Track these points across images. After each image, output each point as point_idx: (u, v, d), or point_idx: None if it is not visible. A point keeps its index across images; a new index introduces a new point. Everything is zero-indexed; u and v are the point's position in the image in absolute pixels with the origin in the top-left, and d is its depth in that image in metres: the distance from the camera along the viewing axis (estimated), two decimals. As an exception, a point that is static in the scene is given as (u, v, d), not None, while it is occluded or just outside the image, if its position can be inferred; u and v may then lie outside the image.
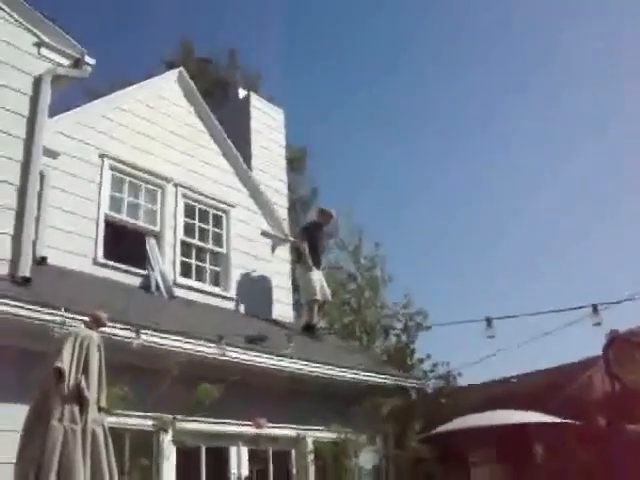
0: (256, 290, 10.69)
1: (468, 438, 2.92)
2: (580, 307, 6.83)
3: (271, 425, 7.69)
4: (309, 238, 10.56)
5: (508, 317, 6.77)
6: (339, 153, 29.67)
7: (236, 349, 7.38)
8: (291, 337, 7.96)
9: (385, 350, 13.91)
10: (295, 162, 20.59)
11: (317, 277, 10.48)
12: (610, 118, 26.68)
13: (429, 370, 13.37)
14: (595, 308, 6.75)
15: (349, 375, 8.82)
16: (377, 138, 28.88)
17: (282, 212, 11.94)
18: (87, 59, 7.83)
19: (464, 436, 2.97)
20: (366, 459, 8.88)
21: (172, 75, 10.88)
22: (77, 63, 7.81)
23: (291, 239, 11.70)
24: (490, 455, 2.81)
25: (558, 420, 2.71)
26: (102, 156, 9.13)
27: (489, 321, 6.67)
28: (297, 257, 10.66)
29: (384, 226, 26.50)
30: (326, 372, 8.50)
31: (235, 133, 11.56)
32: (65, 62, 7.75)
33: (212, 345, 7.06)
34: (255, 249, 10.96)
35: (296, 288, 11.67)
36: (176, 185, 9.97)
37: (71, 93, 9.23)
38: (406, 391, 9.96)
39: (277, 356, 7.91)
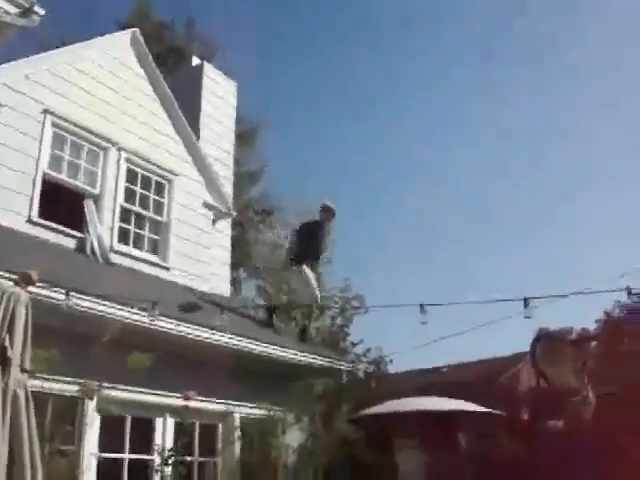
0: (195, 262, 10.55)
1: (394, 422, 2.94)
2: (511, 300, 6.94)
3: (200, 398, 7.60)
4: (308, 235, 9.91)
5: (439, 305, 6.88)
6: (292, 130, 29.58)
7: (167, 318, 7.21)
8: (224, 311, 7.80)
9: (320, 332, 13.93)
10: (246, 136, 20.39)
11: (313, 277, 9.76)
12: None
13: (361, 354, 13.48)
14: (526, 302, 6.87)
15: (281, 353, 8.79)
16: (333, 119, 28.90)
17: (227, 185, 11.80)
18: (36, 9, 7.55)
19: (390, 420, 2.98)
20: (293, 437, 8.89)
21: (125, 36, 10.58)
22: (26, 12, 7.52)
23: (234, 213, 11.56)
24: (414, 440, 2.82)
25: (483, 410, 2.74)
26: (45, 112, 8.82)
27: (422, 307, 6.80)
28: (291, 257, 9.97)
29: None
30: (257, 348, 8.44)
31: (186, 102, 11.33)
32: (13, 10, 7.46)
33: (143, 313, 6.90)
34: (196, 221, 10.81)
35: (236, 264, 11.57)
36: (120, 149, 9.72)
37: (21, 46, 8.94)
38: (337, 373, 10.01)
39: (208, 328, 7.77)
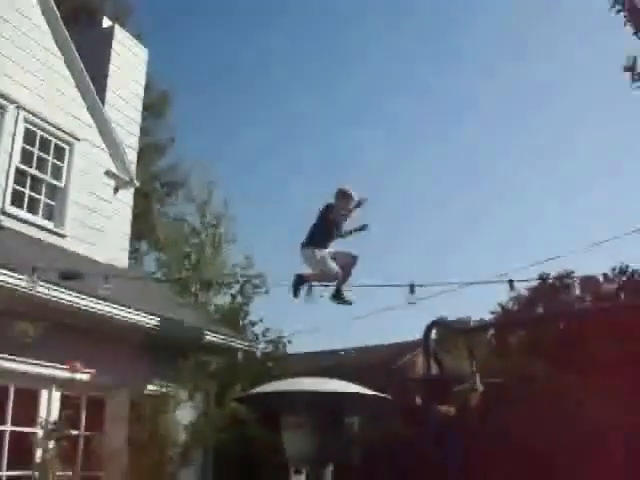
0: (92, 231, 10.17)
1: (283, 402, 2.91)
2: (398, 285, 7.04)
3: (88, 371, 7.35)
4: (318, 220, 9.38)
5: (325, 285, 6.96)
6: (204, 104, 29.10)
7: (47, 284, 6.87)
8: (109, 278, 7.46)
9: (219, 309, 13.77)
10: (155, 107, 19.86)
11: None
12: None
13: (260, 334, 13.41)
14: (412, 288, 6.99)
15: (173, 327, 8.60)
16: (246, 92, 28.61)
17: (132, 154, 11.42)
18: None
19: (279, 400, 2.95)
20: (184, 415, 8.76)
21: (32, -10, 10.01)
22: None
23: (137, 183, 11.22)
24: (302, 420, 2.79)
25: (373, 393, 2.73)
26: (-63, 61, 8.28)
27: (412, 288, 6.89)
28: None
29: (245, 184, 26.40)
30: (149, 322, 8.23)
31: (93, 64, 10.85)
32: None
33: (22, 277, 6.55)
34: (97, 188, 10.41)
35: (139, 236, 11.27)
36: (18, 107, 9.22)
37: None
38: (233, 351, 9.92)
39: (92, 297, 7.44)
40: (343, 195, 8.75)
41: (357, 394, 3.15)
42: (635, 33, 6.65)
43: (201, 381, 8.78)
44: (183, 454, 8.59)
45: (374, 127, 33.25)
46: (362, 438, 11.24)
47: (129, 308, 7.93)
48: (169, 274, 13.65)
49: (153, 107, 19.31)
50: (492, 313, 19.79)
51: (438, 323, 6.58)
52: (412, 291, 7.15)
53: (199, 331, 9.11)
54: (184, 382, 8.42)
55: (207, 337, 9.15)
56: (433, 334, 9.87)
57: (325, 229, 8.63)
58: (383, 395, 3.13)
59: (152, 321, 8.28)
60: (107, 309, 7.66)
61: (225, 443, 9.24)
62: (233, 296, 13.92)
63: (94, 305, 7.49)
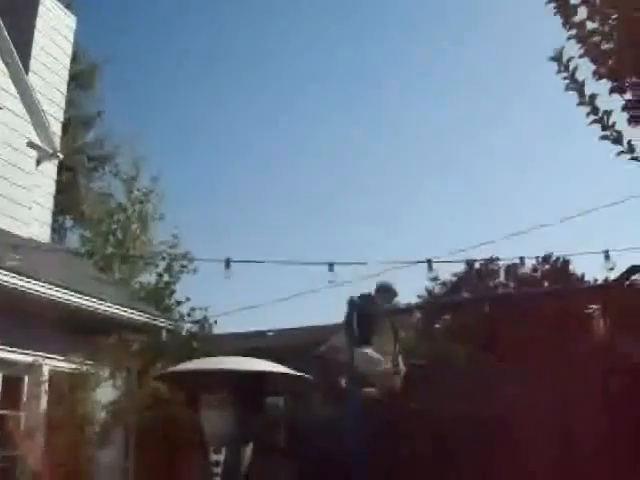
0: (11, 203, 9.78)
1: (201, 380, 2.84)
2: (316, 263, 7.05)
3: (2, 347, 7.09)
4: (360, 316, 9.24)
5: (250, 262, 6.96)
6: (135, 78, 28.39)
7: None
8: (18, 248, 7.13)
9: (144, 287, 13.51)
10: (84, 78, 19.27)
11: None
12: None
13: (186, 314, 13.20)
14: (331, 266, 7.00)
15: (97, 306, 8.38)
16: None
17: (55, 125, 11.02)
18: None
19: (198, 378, 2.87)
20: (104, 394, 8.57)
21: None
22: None
23: (60, 155, 10.85)
24: (221, 399, 2.74)
25: (293, 373, 2.69)
26: None
27: (228, 263, 6.86)
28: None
29: (175, 162, 26.02)
30: (65, 297, 7.97)
31: (16, 29, 10.39)
32: None
33: None
34: (17, 159, 10.01)
35: (63, 210, 10.91)
36: None
37: None
38: (157, 330, 9.74)
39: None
40: (382, 290, 9.03)
41: (277, 373, 3.09)
42: (564, 24, 6.72)
43: (123, 360, 8.61)
44: (103, 434, 8.42)
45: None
46: (287, 420, 11.25)
47: (44, 282, 7.65)
48: (93, 250, 13.31)
49: (81, 78, 18.73)
50: (419, 297, 20.03)
51: (362, 303, 6.58)
52: (331, 269, 7.19)
53: (121, 309, 8.90)
54: (105, 360, 8.24)
55: (129, 315, 8.95)
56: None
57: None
58: (304, 375, 3.08)
59: (72, 297, 8.03)
60: (20, 283, 7.36)
61: (147, 423, 9.09)
62: (159, 275, 13.67)
63: (2, 277, 7.18)
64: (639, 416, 6.52)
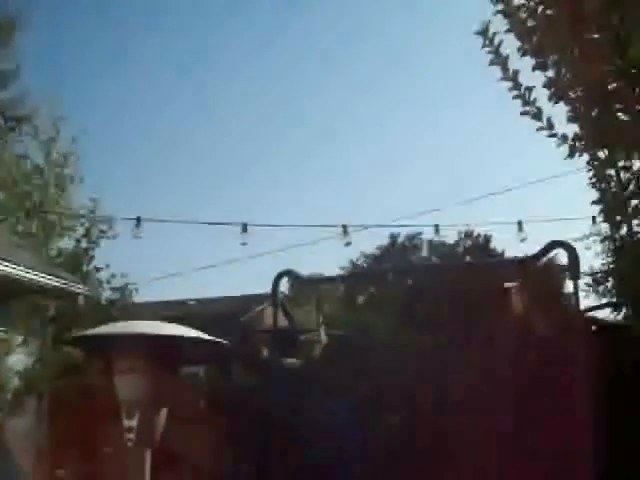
0: None
1: (115, 345, 2.77)
2: (226, 223, 7.01)
3: None
4: None
5: (158, 220, 6.92)
6: (56, 36, 27.38)
7: None
8: None
9: (61, 253, 13.07)
10: (1, 33, 18.39)
11: None
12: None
13: (106, 281, 12.88)
14: (244, 227, 6.99)
15: (5, 268, 8.05)
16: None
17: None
18: None
19: (111, 342, 2.80)
20: (17, 360, 8.31)
21: None
22: None
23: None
24: (135, 364, 2.68)
25: (210, 338, 2.66)
26: None
27: (138, 220, 6.87)
28: None
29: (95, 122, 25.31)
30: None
31: None
32: None
33: None
34: None
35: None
36: None
37: None
38: (74, 297, 9.46)
39: None
40: None
41: (195, 340, 3.03)
42: (491, -1, 6.74)
43: (37, 326, 8.35)
44: (15, 402, 8.17)
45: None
46: (208, 389, 11.19)
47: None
48: (7, 214, 12.76)
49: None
50: (342, 269, 20.30)
51: (287, 274, 6.57)
52: (245, 230, 7.22)
53: (35, 273, 8.59)
54: (18, 327, 7.97)
55: (45, 280, 8.65)
56: (283, 286, 9.91)
57: None
58: (221, 341, 3.03)
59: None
60: None
61: (62, 391, 8.88)
62: (77, 240, 13.24)
63: None
64: (549, 387, 6.75)
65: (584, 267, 12.42)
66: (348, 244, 9.19)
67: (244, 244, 7.21)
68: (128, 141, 30.69)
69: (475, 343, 8.07)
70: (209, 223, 7.93)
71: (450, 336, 8.55)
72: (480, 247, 25.56)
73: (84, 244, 13.06)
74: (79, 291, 9.51)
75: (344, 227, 7.80)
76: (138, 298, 13.47)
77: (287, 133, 35.75)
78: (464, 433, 7.27)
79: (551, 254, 12.11)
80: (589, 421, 3.59)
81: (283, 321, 20.24)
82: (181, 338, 2.98)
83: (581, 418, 3.55)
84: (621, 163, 5.21)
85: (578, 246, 8.27)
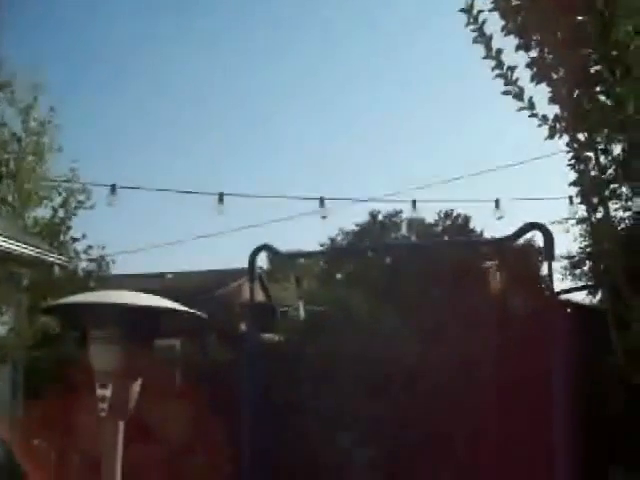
0: None
1: (90, 314, 2.76)
2: (206, 193, 7.02)
3: None
4: None
5: (133, 187, 6.97)
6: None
7: None
8: None
9: (38, 222, 12.91)
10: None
11: None
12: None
13: (83, 251, 12.76)
14: (221, 197, 6.96)
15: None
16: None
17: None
18: None
19: (86, 311, 2.79)
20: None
21: None
22: None
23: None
24: (109, 334, 2.67)
25: (187, 309, 2.65)
26: None
27: (113, 188, 6.87)
28: None
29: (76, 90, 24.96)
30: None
31: None
32: None
33: None
34: None
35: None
36: None
37: None
38: (49, 267, 9.38)
39: None
40: None
41: (171, 311, 3.01)
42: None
43: (12, 295, 8.27)
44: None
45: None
46: (184, 362, 11.21)
47: None
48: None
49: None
50: (321, 245, 20.30)
51: (264, 248, 6.55)
52: (221, 200, 7.25)
53: (10, 242, 8.47)
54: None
55: (20, 249, 8.55)
56: (262, 262, 9.91)
57: None
58: (198, 313, 3.02)
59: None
60: None
61: (38, 361, 8.85)
62: (54, 209, 13.08)
63: None
64: (525, 365, 6.83)
65: (563, 250, 12.56)
66: (324, 217, 9.17)
67: (221, 214, 7.21)
68: (108, 112, 30.34)
69: (451, 320, 8.15)
70: (185, 192, 7.92)
71: (427, 313, 8.64)
72: (459, 227, 25.63)
73: (61, 214, 12.94)
74: (55, 261, 9.44)
75: (321, 200, 7.81)
76: (115, 270, 13.40)
77: (274, 113, 35.57)
78: (442, 408, 7.35)
79: (529, 236, 12.20)
80: (561, 397, 3.67)
81: (262, 297, 20.28)
82: (157, 309, 2.96)
83: (553, 394, 3.62)
84: (601, 146, 5.26)
85: (557, 229, 8.36)
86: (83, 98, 27.79)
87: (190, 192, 8.32)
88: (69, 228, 12.90)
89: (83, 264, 12.80)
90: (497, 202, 9.51)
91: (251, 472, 4.46)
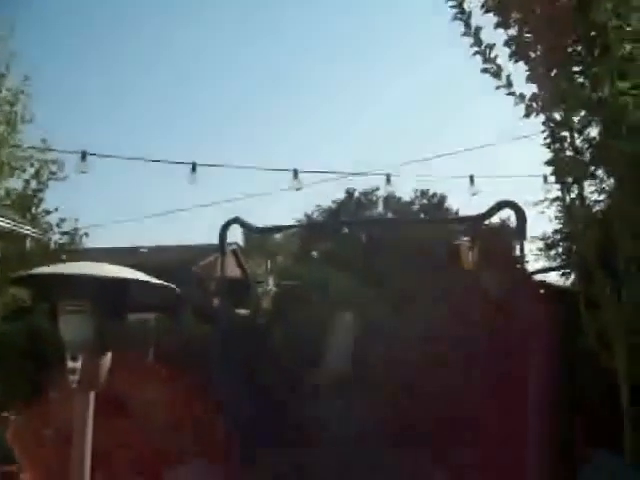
0: None
1: (60, 285, 2.73)
2: (178, 162, 6.97)
3: None
4: None
5: (106, 156, 6.96)
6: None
7: None
8: None
9: (9, 193, 12.69)
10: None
11: None
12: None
13: (55, 224, 12.60)
14: (193, 167, 6.91)
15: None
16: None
17: None
18: None
19: (56, 282, 2.76)
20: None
21: None
22: None
23: None
24: (82, 306, 2.65)
25: (158, 282, 2.64)
26: None
27: (84, 155, 6.85)
28: None
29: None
30: None
31: None
32: None
33: None
34: None
35: None
36: None
37: None
38: (21, 239, 9.27)
39: None
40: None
41: (143, 284, 2.98)
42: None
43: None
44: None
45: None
46: (157, 337, 11.19)
47: None
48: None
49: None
50: (297, 221, 20.26)
51: (235, 221, 6.53)
52: (194, 169, 7.27)
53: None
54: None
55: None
56: (238, 238, 9.87)
57: None
58: (172, 286, 3.00)
59: None
60: None
61: (9, 335, 8.76)
62: (26, 181, 12.88)
63: None
64: (495, 341, 6.89)
65: (538, 232, 12.64)
66: (298, 189, 9.16)
67: (193, 183, 7.23)
68: (81, 82, 29.88)
69: (426, 297, 8.19)
70: (157, 161, 7.88)
71: (401, 289, 8.68)
72: (435, 206, 25.73)
73: (34, 185, 12.74)
74: (27, 233, 9.33)
75: (295, 172, 7.81)
76: (89, 244, 13.28)
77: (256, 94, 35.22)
78: (414, 383, 7.41)
79: (504, 216, 12.24)
80: (535, 377, 3.70)
81: (238, 273, 20.25)
82: (129, 281, 2.93)
83: (527, 375, 3.65)
84: (578, 126, 5.27)
85: (533, 211, 8.39)
86: (57, 67, 27.36)
87: (162, 161, 8.26)
88: (41, 200, 12.74)
89: (56, 237, 12.65)
90: (472, 178, 9.61)
91: (226, 442, 4.48)
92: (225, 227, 6.31)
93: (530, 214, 4.65)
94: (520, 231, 4.04)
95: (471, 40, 4.94)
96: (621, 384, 4.91)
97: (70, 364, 2.91)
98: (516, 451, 4.54)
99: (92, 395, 2.75)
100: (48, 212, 12.65)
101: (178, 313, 10.94)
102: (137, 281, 3.07)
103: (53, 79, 27.02)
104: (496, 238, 11.16)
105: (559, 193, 5.62)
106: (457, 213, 20.48)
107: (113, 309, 3.17)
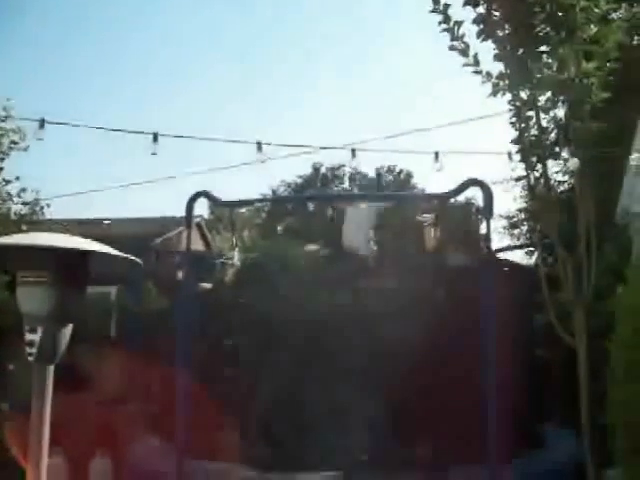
0: None
1: (17, 256, 2.68)
2: (138, 132, 6.90)
3: None
4: None
5: (64, 123, 6.92)
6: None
7: None
8: None
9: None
10: None
11: None
12: None
13: (16, 194, 12.32)
14: (155, 137, 6.84)
15: None
16: None
17: None
18: None
19: (13, 253, 2.71)
20: None
21: None
22: None
23: None
24: (40, 276, 2.60)
25: (123, 255, 2.62)
26: None
27: (42, 123, 6.82)
28: None
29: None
30: None
31: None
32: None
33: None
34: None
35: None
36: None
37: None
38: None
39: None
40: None
41: (104, 256, 2.92)
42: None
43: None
44: None
45: None
46: (119, 310, 11.10)
47: None
48: None
49: None
50: (263, 196, 20.25)
51: (202, 194, 6.46)
52: (155, 139, 7.21)
53: None
54: None
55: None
56: (203, 211, 9.81)
57: None
58: (133, 258, 2.94)
59: None
60: None
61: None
62: (-15, 150, 12.55)
63: None
64: (457, 317, 6.97)
65: (503, 210, 12.76)
66: (263, 162, 9.10)
67: (154, 154, 7.14)
68: (45, 45, 29.22)
69: (390, 272, 8.23)
70: (118, 130, 7.77)
71: (367, 265, 8.72)
72: (401, 182, 25.86)
73: (-7, 155, 12.43)
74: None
75: (258, 144, 7.78)
76: (50, 214, 13.01)
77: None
78: (374, 352, 7.47)
79: (470, 195, 12.33)
80: (492, 353, 3.74)
81: (202, 246, 20.11)
82: (89, 252, 2.87)
83: (484, 350, 3.70)
84: (544, 105, 5.30)
85: (498, 190, 8.48)
86: (16, 34, 26.74)
87: (123, 130, 8.13)
88: (1, 169, 12.43)
89: (16, 207, 12.38)
90: (436, 154, 9.69)
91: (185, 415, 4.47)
92: (192, 200, 6.24)
93: (495, 193, 4.69)
94: (487, 209, 4.06)
95: (440, 17, 4.92)
96: (580, 362, 4.99)
97: (28, 336, 2.85)
98: (468, 421, 4.60)
99: (51, 368, 2.70)
100: (8, 182, 12.35)
101: (139, 286, 10.85)
102: (98, 252, 3.00)
103: (18, 47, 26.38)
104: (462, 215, 11.26)
105: (523, 172, 5.68)
106: (423, 190, 20.64)
107: (73, 281, 3.11)
